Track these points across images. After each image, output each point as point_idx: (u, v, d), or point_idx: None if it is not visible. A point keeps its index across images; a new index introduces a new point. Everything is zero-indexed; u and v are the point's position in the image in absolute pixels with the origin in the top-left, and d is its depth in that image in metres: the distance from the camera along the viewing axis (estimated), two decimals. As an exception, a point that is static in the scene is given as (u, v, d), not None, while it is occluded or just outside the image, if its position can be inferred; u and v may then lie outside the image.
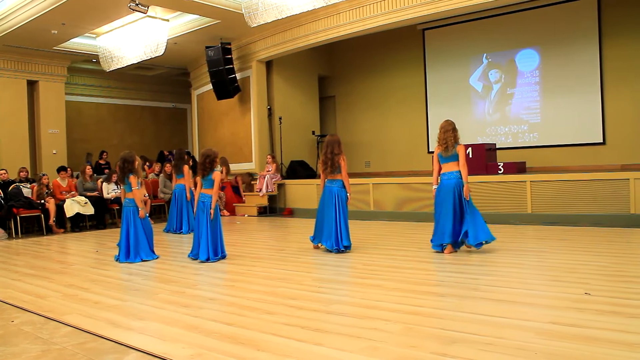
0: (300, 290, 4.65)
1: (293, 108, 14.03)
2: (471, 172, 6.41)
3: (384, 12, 10.46)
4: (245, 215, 12.54)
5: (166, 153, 15.37)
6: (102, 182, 11.52)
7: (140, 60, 12.41)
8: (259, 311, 3.98)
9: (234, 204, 12.94)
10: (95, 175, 12.32)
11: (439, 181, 6.32)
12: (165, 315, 3.99)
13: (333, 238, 6.54)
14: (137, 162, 6.79)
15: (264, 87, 13.58)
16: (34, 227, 10.81)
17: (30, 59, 13.42)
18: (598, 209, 8.34)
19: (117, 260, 6.65)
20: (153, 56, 11.92)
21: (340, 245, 6.51)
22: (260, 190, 12.45)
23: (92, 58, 14.04)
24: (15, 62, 13.24)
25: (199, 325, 3.69)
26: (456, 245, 6.24)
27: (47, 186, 10.69)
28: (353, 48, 14.58)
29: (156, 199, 12.11)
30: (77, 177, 11.84)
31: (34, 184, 10.73)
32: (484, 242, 6.14)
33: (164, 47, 11.68)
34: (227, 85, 13.01)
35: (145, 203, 10.03)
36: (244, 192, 13.16)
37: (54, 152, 13.88)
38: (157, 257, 6.78)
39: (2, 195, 10.29)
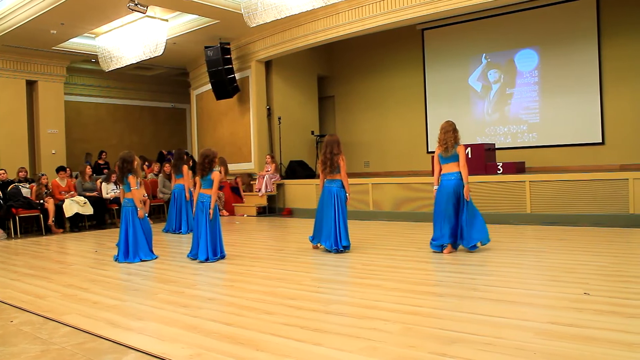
0: (300, 290, 4.65)
1: (292, 108, 14.03)
2: (470, 172, 6.42)
3: (383, 12, 10.46)
4: (245, 215, 12.54)
5: (165, 153, 15.36)
6: (101, 182, 11.51)
7: (140, 60, 12.41)
8: (258, 311, 3.98)
9: (233, 204, 12.94)
10: (94, 175, 12.31)
11: (439, 182, 6.33)
12: (164, 315, 3.99)
13: (332, 238, 6.54)
14: (136, 162, 6.79)
15: (263, 87, 13.58)
16: (33, 227, 10.80)
17: (30, 59, 13.41)
18: (597, 209, 8.35)
19: (116, 260, 6.65)
20: (152, 56, 11.92)
21: (340, 245, 6.51)
22: (260, 190, 12.45)
23: (91, 58, 14.03)
24: (15, 62, 13.23)
25: (198, 325, 3.69)
26: (455, 245, 6.25)
27: (46, 186, 10.69)
28: (352, 48, 14.58)
29: (155, 199, 12.10)
30: (76, 177, 11.83)
31: (33, 184, 10.72)
32: (478, 245, 6.17)
33: (163, 47, 11.68)
34: (226, 85, 13.01)
35: (145, 203, 10.03)
36: (243, 192, 13.16)
37: (53, 152, 13.87)
38: (156, 257, 6.78)
39: (1, 195, 10.28)
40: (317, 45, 12.43)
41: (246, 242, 8.30)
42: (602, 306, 3.69)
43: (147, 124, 17.85)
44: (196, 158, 10.82)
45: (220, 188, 11.31)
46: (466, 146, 7.41)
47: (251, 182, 13.19)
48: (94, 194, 11.23)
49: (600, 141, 11.06)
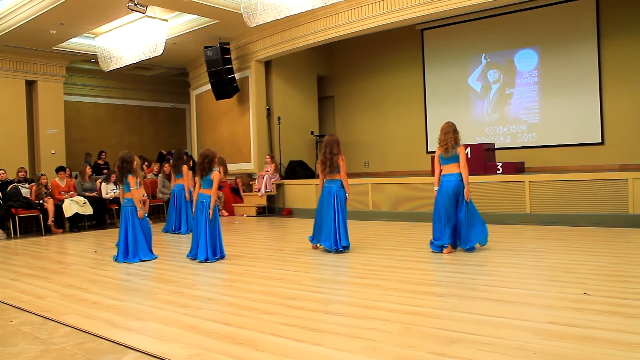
0: (299, 291, 4.65)
1: (292, 108, 14.03)
2: (470, 172, 6.42)
3: (382, 12, 10.46)
4: (244, 215, 12.54)
5: (165, 153, 15.36)
6: (100, 182, 11.51)
7: (139, 60, 12.41)
8: (258, 311, 3.98)
9: (233, 204, 12.94)
10: (94, 175, 12.31)
11: (439, 183, 6.34)
12: (163, 316, 3.99)
13: (332, 238, 6.54)
14: (135, 162, 6.79)
15: (263, 87, 13.58)
16: (33, 227, 10.80)
17: (29, 59, 13.41)
18: (597, 209, 8.35)
19: (115, 261, 6.65)
20: (152, 56, 11.92)
21: (339, 246, 6.51)
22: (259, 190, 12.45)
23: (90, 58, 14.03)
24: (14, 62, 13.23)
25: (198, 325, 3.69)
26: (455, 245, 6.26)
27: (46, 186, 10.68)
28: (352, 48, 14.58)
29: (155, 199, 12.10)
30: (76, 177, 11.83)
31: (32, 184, 10.71)
32: (475, 246, 6.21)
33: (163, 47, 11.68)
34: (225, 85, 13.00)
35: (144, 203, 10.04)
36: (243, 192, 13.16)
37: (53, 152, 13.87)
38: (156, 257, 6.78)
39: (1, 195, 10.28)
40: (317, 45, 12.43)
41: (246, 242, 8.30)
42: (602, 306, 3.69)
43: (147, 124, 17.85)
44: (196, 158, 10.81)
45: (220, 188, 11.31)
46: (465, 146, 7.42)
47: (251, 182, 13.19)
48: (94, 194, 11.23)
49: (600, 141, 11.07)
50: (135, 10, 10.08)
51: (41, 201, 10.32)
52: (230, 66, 12.94)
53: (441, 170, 6.35)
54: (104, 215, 11.28)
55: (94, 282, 5.43)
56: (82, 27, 11.89)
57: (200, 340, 3.35)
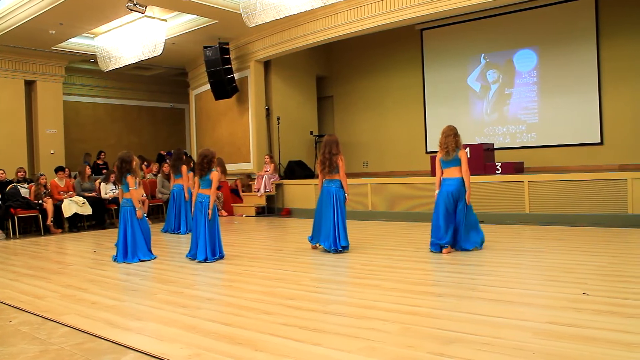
0: (298, 291, 4.65)
1: (291, 108, 14.03)
2: (469, 172, 6.43)
3: (382, 12, 10.47)
4: (243, 216, 12.53)
5: (164, 154, 15.35)
6: (100, 183, 11.50)
7: (138, 60, 12.41)
8: (257, 311, 3.98)
9: (232, 204, 12.94)
10: (93, 175, 12.30)
11: (440, 186, 6.36)
12: (163, 316, 3.99)
13: (331, 238, 6.54)
14: (134, 162, 6.79)
15: (262, 87, 13.58)
16: (32, 228, 10.78)
17: (28, 58, 13.40)
18: (596, 209, 8.35)
19: (114, 261, 6.65)
20: (151, 56, 11.92)
21: (338, 246, 6.51)
22: (259, 190, 12.45)
23: (89, 58, 14.03)
24: (13, 62, 13.22)
25: (197, 325, 3.68)
26: (454, 246, 6.27)
27: (45, 186, 10.67)
28: (351, 48, 14.58)
29: (154, 199, 12.10)
30: (75, 177, 11.82)
31: (31, 184, 10.70)
32: (469, 249, 6.27)
33: (162, 47, 11.68)
34: (225, 85, 13.00)
35: (143, 203, 10.04)
36: (242, 192, 13.16)
37: (52, 152, 13.86)
38: (155, 257, 6.78)
39: (0, 195, 10.27)
40: (316, 45, 12.43)
41: (245, 242, 8.30)
42: (601, 306, 3.69)
43: (146, 124, 17.85)
44: (195, 158, 10.80)
45: (219, 188, 11.31)
46: (465, 146, 7.43)
47: (250, 183, 13.19)
48: (93, 194, 11.22)
49: (599, 141, 11.07)
50: (134, 10, 10.08)
51: (40, 201, 10.31)
52: (230, 66, 12.94)
53: (442, 173, 6.36)
54: (103, 215, 11.27)
55: (93, 282, 5.42)
56: (81, 27, 11.89)
57: (200, 340, 3.35)
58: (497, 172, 10.10)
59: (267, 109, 13.61)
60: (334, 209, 6.57)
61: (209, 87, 13.47)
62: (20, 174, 11.05)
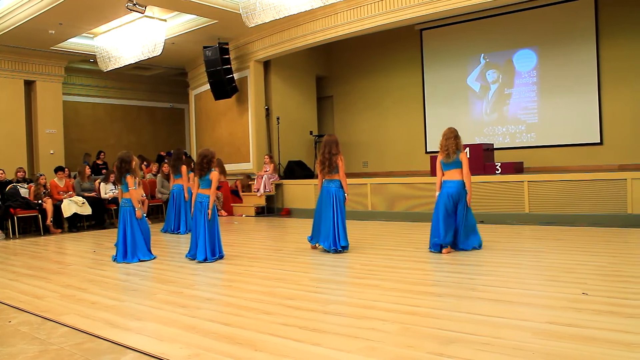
0: (298, 291, 4.65)
1: (291, 108, 14.03)
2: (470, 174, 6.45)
3: (381, 12, 10.47)
4: (243, 216, 12.53)
5: (164, 154, 15.34)
6: (99, 183, 11.50)
7: (138, 61, 12.40)
8: (257, 311, 3.98)
9: (232, 204, 12.94)
10: (92, 175, 12.30)
11: (440, 188, 6.38)
12: (162, 316, 3.99)
13: (330, 238, 6.54)
14: (134, 162, 6.79)
15: (262, 87, 13.58)
16: (32, 228, 10.77)
17: (28, 59, 13.40)
18: (595, 209, 8.35)
19: (114, 261, 6.64)
20: (150, 56, 11.91)
21: (338, 246, 6.50)
22: (258, 190, 12.44)
23: (89, 58, 14.02)
24: (13, 62, 13.21)
25: (197, 325, 3.68)
26: (454, 246, 6.28)
27: (45, 186, 10.66)
28: (351, 48, 14.58)
29: (154, 199, 12.10)
30: (75, 177, 11.81)
31: (31, 184, 10.70)
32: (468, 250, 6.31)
33: (162, 47, 11.67)
34: (224, 85, 13.00)
35: (143, 203, 10.04)
36: (242, 192, 13.16)
37: (52, 152, 13.86)
38: (155, 257, 6.77)
39: (0, 195, 10.26)
40: (316, 45, 12.43)
41: (245, 242, 8.30)
42: (601, 306, 3.69)
43: (145, 124, 17.85)
44: (194, 158, 10.80)
45: (218, 188, 11.31)
46: (465, 146, 7.44)
47: (249, 183, 13.19)
48: (93, 194, 11.21)
49: (599, 141, 11.07)
50: (134, 10, 10.07)
51: (40, 201, 10.31)
52: (229, 66, 12.94)
53: (443, 175, 6.37)
54: (102, 215, 11.26)
55: (92, 282, 5.42)
56: (80, 27, 11.88)
57: (199, 340, 3.35)
58: (496, 172, 10.10)
59: (267, 109, 13.61)
60: (333, 209, 6.57)
61: (209, 87, 13.47)
62: (19, 174, 11.05)
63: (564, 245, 6.53)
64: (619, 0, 10.79)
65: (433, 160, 10.86)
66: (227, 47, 12.94)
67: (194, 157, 12.19)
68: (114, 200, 10.83)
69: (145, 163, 13.90)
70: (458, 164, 6.25)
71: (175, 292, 4.78)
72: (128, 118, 17.37)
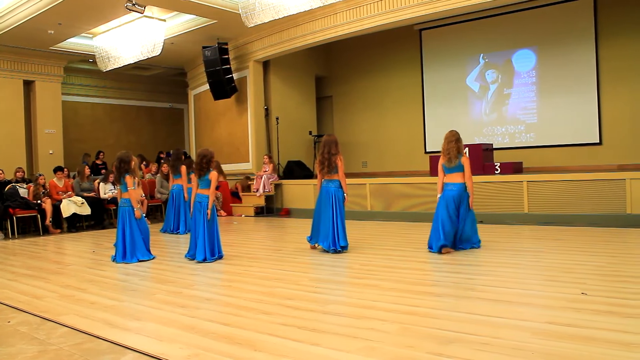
0: (297, 291, 4.65)
1: (290, 108, 14.03)
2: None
3: (381, 12, 10.47)
4: (242, 216, 12.53)
5: (163, 156, 15.33)
6: (98, 183, 11.49)
7: (137, 61, 12.39)
8: (256, 311, 3.98)
9: (231, 204, 12.93)
10: (92, 175, 12.29)
11: (442, 190, 6.41)
12: (162, 316, 3.99)
13: (330, 238, 6.54)
14: (133, 162, 6.78)
15: (261, 87, 13.57)
16: (31, 228, 10.76)
17: (27, 58, 13.39)
18: (594, 209, 8.36)
19: (113, 261, 6.64)
20: (150, 56, 11.91)
21: (337, 246, 6.50)
22: (258, 190, 12.44)
23: (88, 58, 14.02)
24: (12, 62, 13.20)
25: (196, 325, 3.68)
26: (454, 247, 6.29)
27: (44, 186, 10.66)
28: (350, 48, 14.58)
29: (153, 199, 12.09)
30: (74, 178, 11.80)
31: (30, 184, 10.69)
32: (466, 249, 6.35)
33: (161, 47, 11.67)
34: (224, 86, 13.00)
35: (142, 203, 10.03)
36: (242, 193, 13.17)
37: (51, 152, 13.85)
38: (154, 257, 6.77)
39: (-1, 195, 10.27)
40: (315, 45, 12.43)
41: (244, 242, 8.30)
42: (600, 306, 3.69)
43: (145, 124, 17.84)
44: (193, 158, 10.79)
45: (217, 188, 11.30)
46: (464, 146, 7.42)
47: (249, 183, 13.19)
48: (92, 194, 11.20)
49: (598, 141, 11.08)
50: (133, 10, 10.06)
51: (39, 201, 10.30)
52: (229, 66, 12.94)
53: (444, 177, 6.40)
54: (102, 215, 11.25)
55: (92, 282, 5.42)
56: (80, 27, 11.87)
57: (199, 340, 3.35)
58: (496, 172, 10.10)
59: (266, 109, 13.61)
60: (333, 209, 6.57)
61: (208, 87, 13.47)
62: (19, 174, 11.03)
63: (563, 245, 6.53)
64: (618, 0, 10.80)
65: (432, 160, 10.88)
66: (226, 47, 12.94)
67: (194, 157, 12.18)
68: (113, 201, 10.82)
69: (144, 163, 13.89)
70: (460, 168, 6.28)
71: (175, 292, 4.78)
72: (127, 118, 17.37)
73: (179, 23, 12.33)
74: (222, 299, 4.54)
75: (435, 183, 6.72)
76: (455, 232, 6.25)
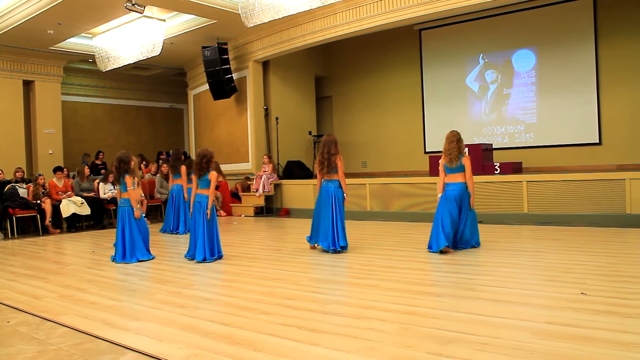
0: (297, 291, 4.64)
1: (290, 108, 14.03)
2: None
3: (380, 12, 10.47)
4: (242, 216, 12.53)
5: (163, 157, 15.32)
6: (98, 183, 11.49)
7: (137, 61, 12.38)
8: (256, 311, 3.98)
9: (231, 204, 12.93)
10: (91, 175, 12.28)
11: (443, 190, 6.43)
12: (161, 316, 3.98)
13: (330, 238, 6.54)
14: (133, 162, 6.78)
15: (261, 87, 13.57)
16: (30, 228, 10.76)
17: (26, 58, 13.38)
18: (594, 209, 8.36)
19: (113, 261, 6.64)
20: (149, 56, 11.90)
21: (337, 246, 6.50)
22: (257, 190, 12.44)
23: (88, 58, 14.01)
24: (11, 62, 13.19)
25: (196, 325, 3.68)
26: (454, 247, 6.30)
27: (43, 186, 10.66)
28: (350, 48, 14.58)
29: (153, 199, 12.09)
30: (74, 178, 11.80)
31: (30, 184, 10.69)
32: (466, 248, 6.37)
33: (161, 47, 11.66)
34: (223, 86, 13.00)
35: (142, 203, 10.03)
36: (241, 193, 13.17)
37: (50, 152, 13.85)
38: (153, 257, 6.77)
39: (-2, 195, 10.26)
40: (315, 45, 12.43)
41: (243, 242, 8.30)
42: (600, 306, 3.69)
43: (144, 124, 17.84)
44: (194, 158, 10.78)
45: (217, 188, 11.29)
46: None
47: (248, 183, 13.19)
48: (91, 194, 11.19)
49: (598, 141, 11.08)
50: (132, 10, 10.06)
51: (39, 201, 10.30)
52: (228, 66, 12.94)
53: (445, 177, 6.42)
54: (101, 215, 11.25)
55: (91, 282, 5.42)
56: (79, 27, 11.87)
57: (198, 340, 3.35)
58: (495, 172, 10.10)
59: (266, 109, 13.61)
60: (332, 209, 6.57)
61: (208, 87, 13.46)
62: (18, 174, 11.03)
63: (562, 245, 6.53)
64: (618, 0, 10.80)
65: (432, 160, 10.88)
66: (226, 47, 12.94)
67: (193, 157, 12.17)
68: (113, 201, 10.82)
69: (144, 162, 13.89)
70: (461, 168, 6.31)
71: (174, 292, 4.78)
72: (127, 118, 17.36)
73: (179, 23, 12.33)
74: (221, 299, 4.54)
75: (435, 183, 6.74)
76: (456, 232, 6.27)
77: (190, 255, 6.44)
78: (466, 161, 6.30)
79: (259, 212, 12.55)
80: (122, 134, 17.12)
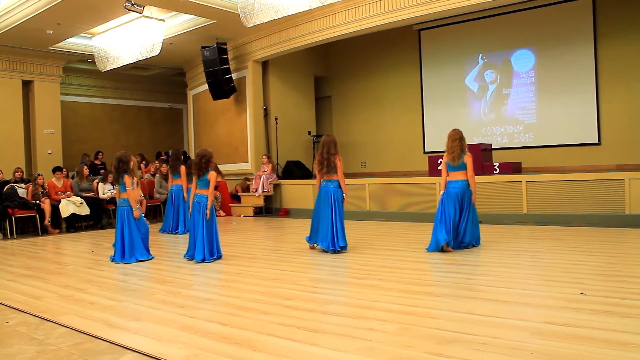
0: (296, 291, 4.65)
1: (289, 108, 14.03)
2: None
3: (380, 12, 10.47)
4: (241, 216, 12.53)
5: (163, 158, 15.31)
6: (97, 183, 11.48)
7: (136, 61, 12.38)
8: (255, 311, 3.98)
9: (230, 205, 12.93)
10: (91, 175, 12.28)
11: (445, 187, 6.46)
12: (161, 316, 3.99)
13: (329, 238, 6.54)
14: (132, 163, 6.77)
15: (260, 87, 13.57)
16: (29, 228, 10.75)
17: (26, 59, 13.38)
18: (593, 209, 8.37)
19: (112, 261, 6.64)
20: (149, 56, 11.90)
21: (336, 246, 6.51)
22: (256, 190, 12.44)
23: (87, 58, 14.00)
24: (10, 62, 13.19)
25: (195, 325, 3.68)
26: (454, 245, 6.30)
27: (43, 186, 10.65)
28: (349, 48, 14.59)
29: (152, 199, 12.09)
30: (73, 178, 11.79)
31: (29, 185, 10.68)
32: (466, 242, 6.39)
33: (160, 47, 11.66)
34: (223, 86, 12.99)
35: (141, 203, 10.02)
36: (241, 193, 13.17)
37: (50, 152, 13.84)
38: (153, 258, 6.77)
39: (-2, 195, 10.26)
40: (314, 45, 12.43)
41: (243, 242, 8.30)
42: (598, 306, 3.69)
43: (144, 124, 17.83)
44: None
45: (216, 188, 11.29)
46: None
47: (248, 184, 13.18)
48: (91, 194, 11.19)
49: (597, 141, 11.09)
50: (132, 10, 10.06)
51: (38, 201, 10.29)
52: (228, 66, 12.94)
53: (447, 175, 6.46)
54: (101, 215, 11.25)
55: (90, 282, 5.41)
56: (79, 27, 11.86)
57: (198, 340, 3.35)
58: (494, 172, 10.11)
59: (265, 109, 13.61)
60: (332, 209, 6.58)
61: (207, 87, 13.46)
62: (17, 174, 11.03)
63: (561, 245, 6.54)
64: (617, 0, 10.81)
65: (431, 160, 10.89)
66: (225, 47, 12.94)
67: (193, 157, 12.17)
68: (112, 201, 10.82)
69: (144, 162, 13.88)
70: (463, 166, 6.37)
71: (174, 293, 4.78)
72: (126, 118, 17.36)
73: (178, 23, 12.33)
74: (221, 299, 4.54)
75: (435, 183, 6.76)
76: (457, 232, 6.28)
77: (190, 256, 6.44)
78: (468, 159, 6.34)
79: (258, 212, 12.55)
80: (122, 134, 17.12)
